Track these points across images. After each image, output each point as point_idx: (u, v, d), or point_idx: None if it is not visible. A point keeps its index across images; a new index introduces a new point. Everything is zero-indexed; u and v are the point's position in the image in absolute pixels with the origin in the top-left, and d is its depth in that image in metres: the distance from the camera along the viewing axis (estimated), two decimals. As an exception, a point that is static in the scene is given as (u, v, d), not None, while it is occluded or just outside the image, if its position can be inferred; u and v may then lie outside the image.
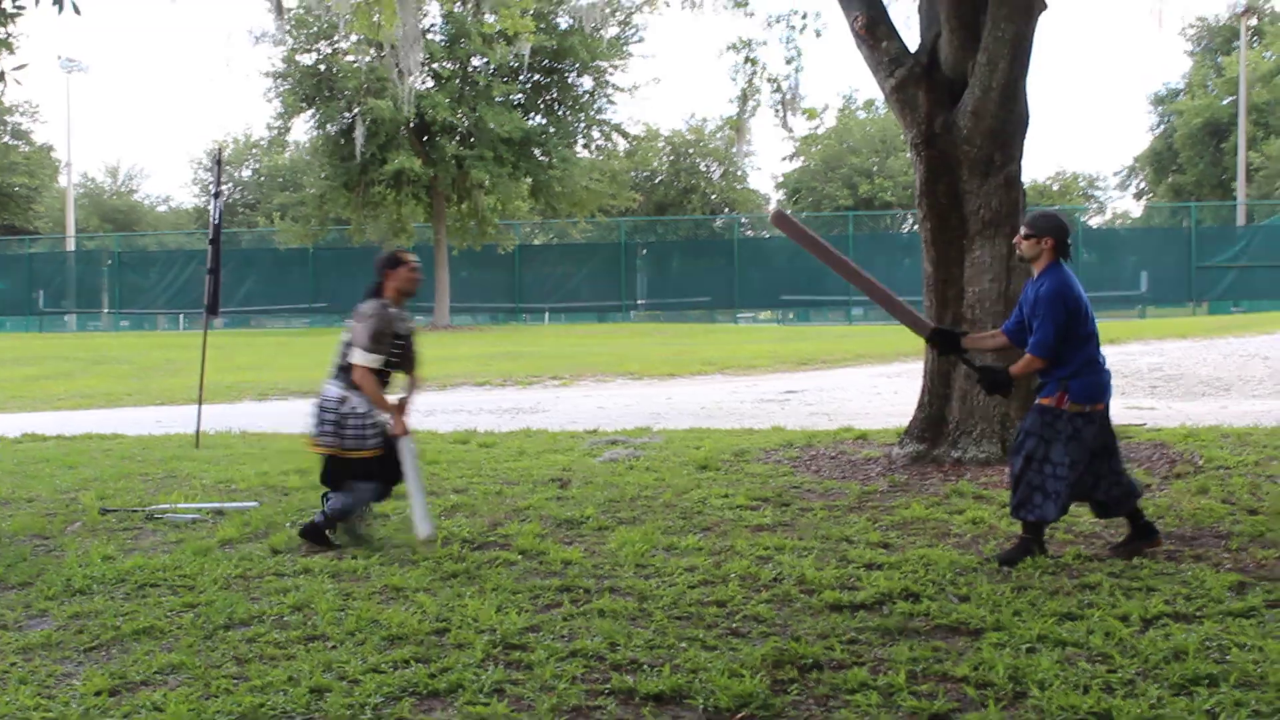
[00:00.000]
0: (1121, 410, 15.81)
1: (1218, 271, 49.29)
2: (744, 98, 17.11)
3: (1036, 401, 8.05)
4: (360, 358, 8.45)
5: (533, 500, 10.32)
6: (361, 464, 8.59)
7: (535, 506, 10.05)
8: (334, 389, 8.60)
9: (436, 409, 18.40)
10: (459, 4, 42.83)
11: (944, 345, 8.61)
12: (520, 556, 8.33)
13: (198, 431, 14.58)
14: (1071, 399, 7.88)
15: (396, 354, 8.65)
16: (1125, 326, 34.88)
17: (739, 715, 5.44)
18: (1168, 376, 20.04)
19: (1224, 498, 9.82)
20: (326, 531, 8.75)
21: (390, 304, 8.61)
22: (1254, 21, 69.60)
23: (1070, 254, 8.17)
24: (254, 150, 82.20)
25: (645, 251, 55.65)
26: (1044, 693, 5.49)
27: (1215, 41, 76.19)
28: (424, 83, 43.81)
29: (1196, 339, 27.12)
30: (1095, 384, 7.93)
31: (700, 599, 7.14)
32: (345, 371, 8.58)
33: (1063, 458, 7.89)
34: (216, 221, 14.90)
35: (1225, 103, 69.50)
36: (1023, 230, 8.21)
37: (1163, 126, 78.38)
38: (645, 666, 5.97)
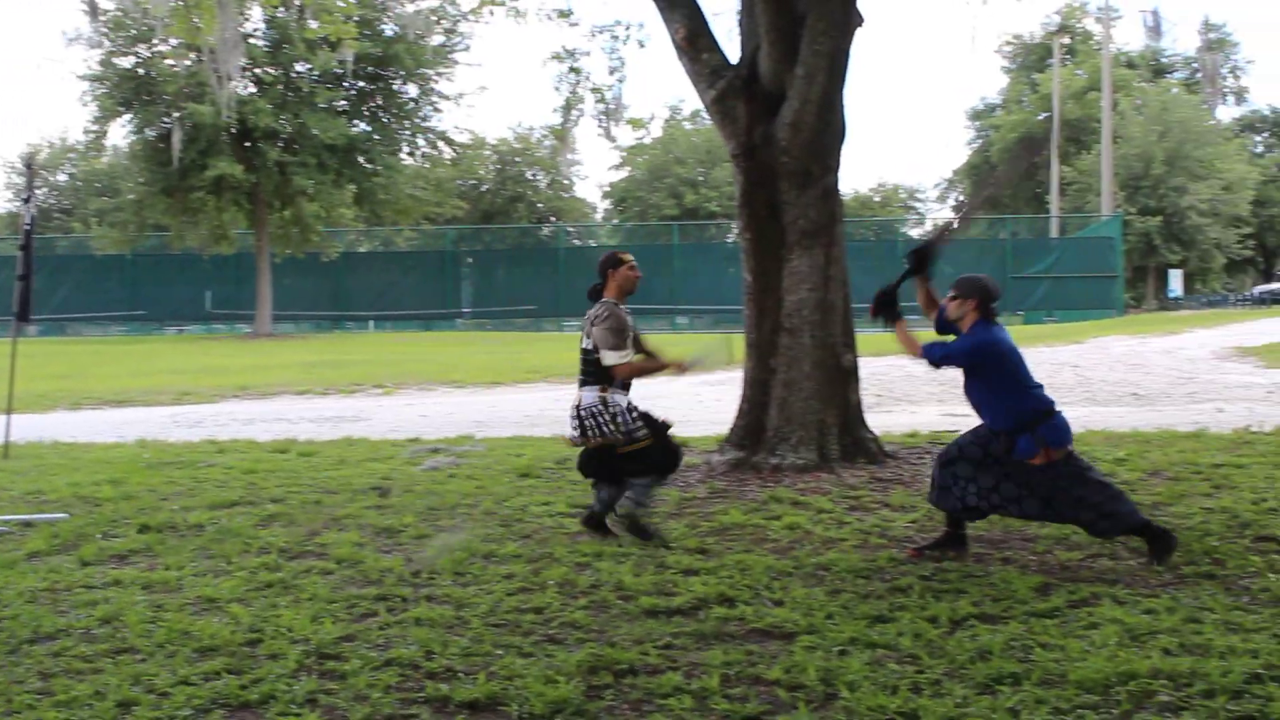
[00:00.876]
0: (937, 418, 16.14)
1: (1032, 282, 50.63)
2: (567, 107, 17.15)
3: (1025, 463, 7.94)
4: (613, 359, 8.65)
5: (352, 509, 10.22)
6: (640, 457, 8.69)
7: (354, 515, 9.96)
8: (590, 394, 8.72)
9: (256, 418, 18.15)
10: (282, 9, 42.32)
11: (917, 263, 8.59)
12: (337, 565, 8.25)
13: (6, 442, 14.20)
14: (1053, 448, 7.87)
15: (635, 346, 8.89)
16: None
17: (553, 721, 5.47)
18: (982, 384, 20.44)
19: (1032, 502, 10.06)
20: (606, 520, 8.92)
21: (616, 302, 8.90)
22: (1067, 40, 71.53)
23: (995, 314, 8.25)
24: (70, 154, 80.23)
25: (471, 260, 55.58)
26: (854, 694, 5.59)
27: (1030, 59, 78.29)
28: (246, 88, 43.27)
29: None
30: (1064, 425, 7.97)
31: (518, 606, 7.15)
32: (594, 376, 8.73)
33: (1096, 478, 8.01)
34: (28, 227, 14.55)
35: (1040, 118, 71.41)
36: (950, 291, 8.22)
37: (980, 141, 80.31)
38: (460, 674, 5.97)
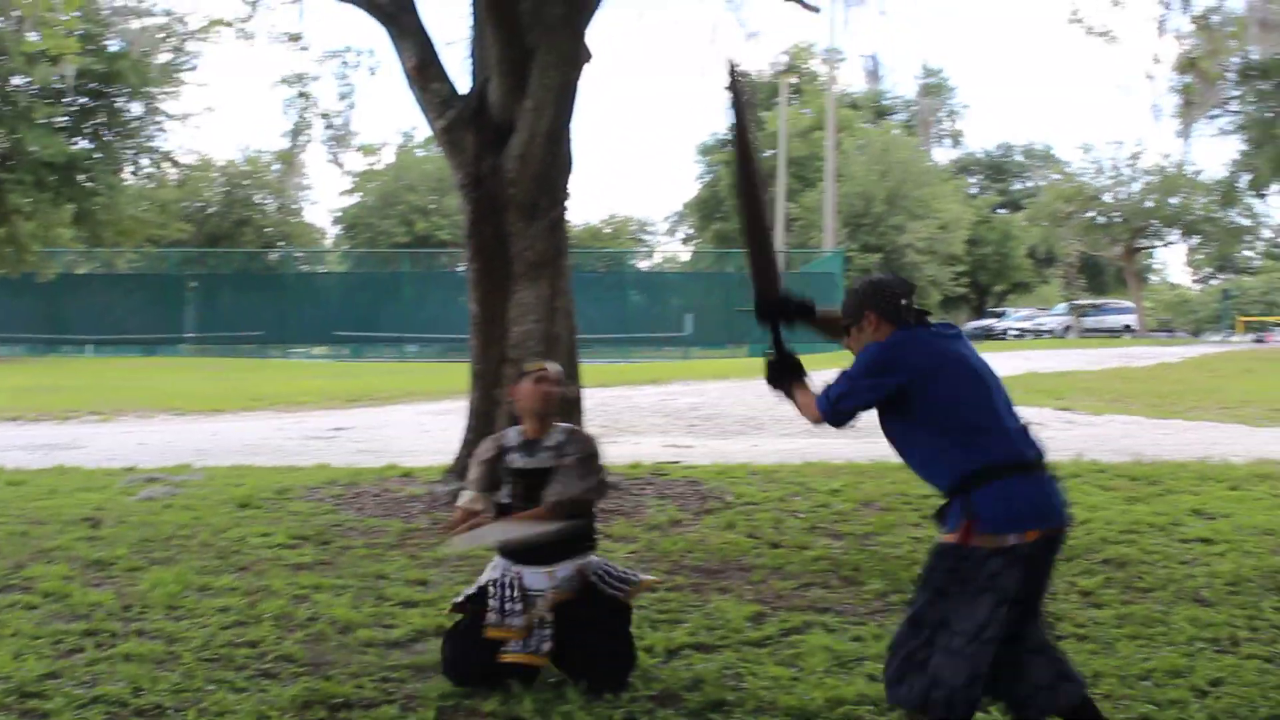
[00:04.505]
0: (660, 448, 16.36)
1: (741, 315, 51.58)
2: (296, 132, 17.04)
3: (937, 540, 5.18)
4: None
5: (61, 541, 9.87)
6: None
7: (63, 547, 9.63)
8: None
9: (-38, 445, 17.42)
10: (-2, 19, 40.86)
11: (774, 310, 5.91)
12: (43, 599, 7.97)
13: None
14: (977, 526, 4.92)
15: None
16: (669, 367, 36.12)
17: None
18: (706, 416, 20.76)
19: (749, 532, 10.30)
20: None
21: None
22: (794, 80, 73.43)
23: (919, 317, 5.28)
24: None
25: (195, 284, 54.30)
26: (567, 725, 5.66)
27: (758, 97, 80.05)
28: (-43, 100, 41.65)
29: (735, 380, 28.18)
30: (1016, 497, 4.94)
31: (232, 640, 7.03)
32: None
33: (968, 622, 4.92)
34: None
35: (766, 155, 73.07)
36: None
37: (709, 176, 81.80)
38: (170, 711, 5.85)
